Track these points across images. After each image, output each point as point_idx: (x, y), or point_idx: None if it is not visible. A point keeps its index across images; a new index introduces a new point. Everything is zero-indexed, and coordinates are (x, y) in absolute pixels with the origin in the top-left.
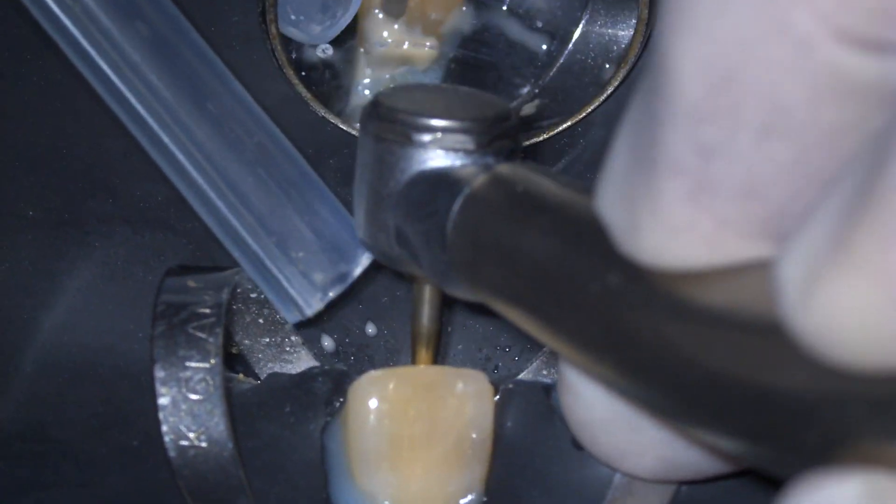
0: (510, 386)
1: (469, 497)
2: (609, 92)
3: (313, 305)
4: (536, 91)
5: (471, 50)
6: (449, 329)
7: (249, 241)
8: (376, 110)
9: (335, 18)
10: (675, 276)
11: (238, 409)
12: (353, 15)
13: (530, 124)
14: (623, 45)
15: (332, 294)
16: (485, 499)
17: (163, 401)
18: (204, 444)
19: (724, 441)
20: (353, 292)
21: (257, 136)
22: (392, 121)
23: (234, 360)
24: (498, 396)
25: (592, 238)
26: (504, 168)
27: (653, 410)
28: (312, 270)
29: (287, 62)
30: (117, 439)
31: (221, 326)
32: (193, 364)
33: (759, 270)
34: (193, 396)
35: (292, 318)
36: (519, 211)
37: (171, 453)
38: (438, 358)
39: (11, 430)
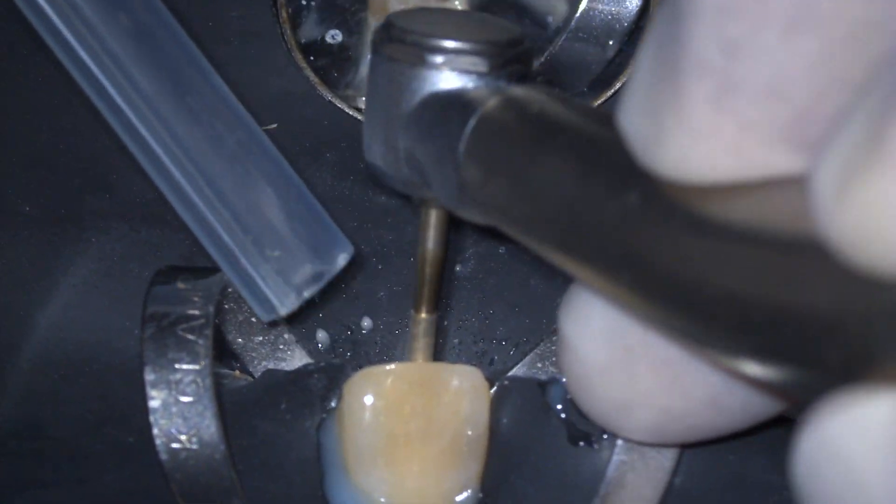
0: (506, 382)
1: (465, 494)
2: (616, 87)
3: (287, 305)
4: (539, 67)
5: None
6: (445, 323)
7: (225, 237)
8: (389, 31)
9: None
10: (695, 191)
11: (233, 406)
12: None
13: None
14: (626, 23)
15: (306, 294)
16: (481, 495)
17: (153, 403)
18: (195, 447)
19: (747, 363)
20: (347, 286)
21: (237, 132)
22: (405, 42)
23: (230, 357)
24: (493, 391)
25: (609, 157)
26: (517, 90)
27: (673, 331)
28: (288, 270)
29: (296, 46)
30: (113, 436)
31: (211, 328)
32: (183, 366)
33: (783, 185)
34: (184, 399)
35: (266, 316)
36: (533, 132)
37: (163, 456)
38: (435, 354)
39: (7, 427)
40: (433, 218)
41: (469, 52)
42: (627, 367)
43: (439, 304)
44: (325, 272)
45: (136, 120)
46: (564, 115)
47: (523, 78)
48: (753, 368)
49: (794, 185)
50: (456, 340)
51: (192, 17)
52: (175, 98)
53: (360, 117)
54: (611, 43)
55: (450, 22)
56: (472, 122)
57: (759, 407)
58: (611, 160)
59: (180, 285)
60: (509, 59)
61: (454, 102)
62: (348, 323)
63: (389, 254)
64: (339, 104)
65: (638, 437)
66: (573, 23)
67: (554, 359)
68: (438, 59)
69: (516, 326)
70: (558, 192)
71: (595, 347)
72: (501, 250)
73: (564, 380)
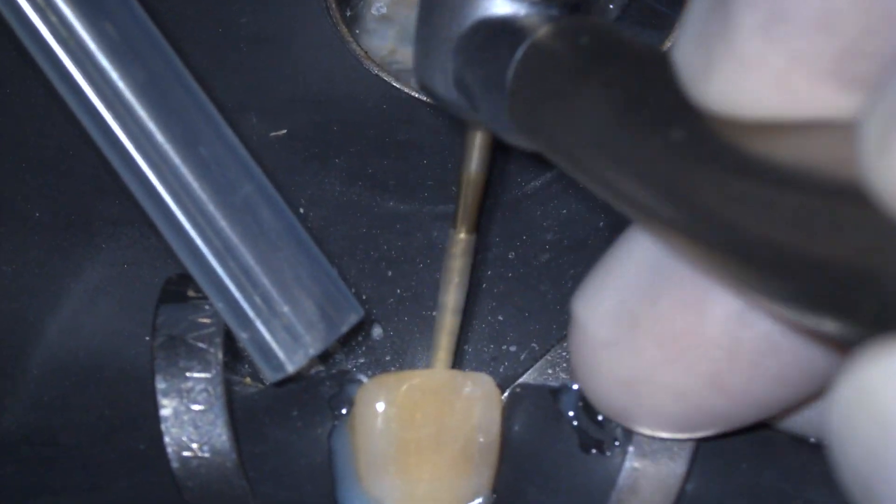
0: (517, 389)
1: (477, 501)
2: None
3: (296, 361)
4: None
5: None
6: None
7: (234, 291)
8: None
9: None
10: (741, 129)
11: (245, 413)
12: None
13: None
14: None
15: (312, 351)
16: (493, 502)
17: (165, 412)
18: (207, 455)
19: (784, 306)
20: (358, 292)
21: (247, 186)
22: None
23: (241, 364)
24: (505, 398)
25: (656, 92)
26: (569, 20)
27: (710, 268)
28: (297, 326)
29: (341, 19)
30: (125, 443)
31: (222, 336)
32: (195, 374)
33: (831, 127)
34: (195, 407)
35: (273, 375)
36: (582, 61)
37: (175, 464)
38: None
39: (19, 434)
40: (479, 140)
41: None
42: (632, 341)
43: (478, 226)
44: (334, 331)
45: (147, 169)
46: (614, 47)
47: (576, 8)
48: (791, 312)
49: (842, 129)
50: (467, 347)
51: (202, 21)
52: (187, 148)
53: (398, 87)
54: (611, 7)
55: None
56: (521, 49)
57: (761, 393)
58: (657, 95)
59: (191, 293)
60: None
61: (505, 28)
62: (359, 329)
63: (399, 259)
64: (386, 78)
65: (643, 423)
66: None
67: (565, 365)
68: None
69: (527, 332)
70: (602, 123)
71: (602, 325)
72: (511, 255)
73: (571, 362)
